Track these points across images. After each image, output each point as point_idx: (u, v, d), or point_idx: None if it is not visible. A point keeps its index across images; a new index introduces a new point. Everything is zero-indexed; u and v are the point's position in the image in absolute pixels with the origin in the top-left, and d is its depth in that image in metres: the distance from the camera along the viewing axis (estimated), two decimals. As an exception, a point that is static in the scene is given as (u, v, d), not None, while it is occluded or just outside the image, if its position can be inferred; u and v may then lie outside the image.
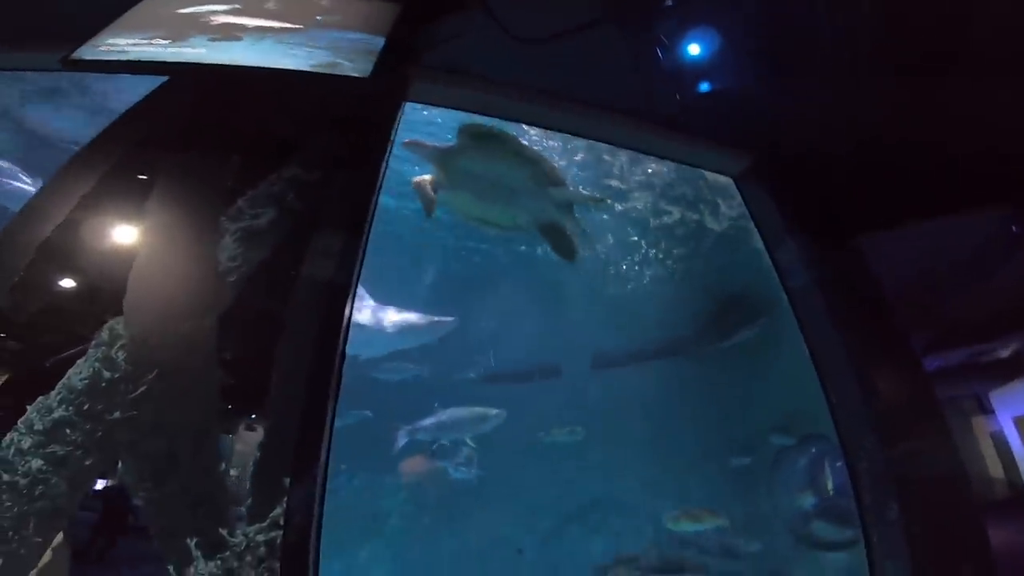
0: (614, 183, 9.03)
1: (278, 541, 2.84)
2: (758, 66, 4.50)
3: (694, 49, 4.47)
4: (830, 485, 8.66)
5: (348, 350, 3.17)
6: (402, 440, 8.82)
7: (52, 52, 3.72)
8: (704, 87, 4.47)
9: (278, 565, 2.80)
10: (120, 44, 3.64)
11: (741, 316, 9.50)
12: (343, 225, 3.40)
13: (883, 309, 4.39)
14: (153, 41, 3.63)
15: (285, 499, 2.87)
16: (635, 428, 10.22)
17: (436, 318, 8.73)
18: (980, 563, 3.95)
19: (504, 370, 11.22)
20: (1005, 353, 11.71)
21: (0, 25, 3.87)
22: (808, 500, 8.92)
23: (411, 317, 8.60)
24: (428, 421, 8.83)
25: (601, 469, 10.61)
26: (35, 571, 2.76)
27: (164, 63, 3.58)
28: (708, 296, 9.73)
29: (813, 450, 8.74)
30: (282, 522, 2.86)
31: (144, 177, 3.48)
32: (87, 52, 3.57)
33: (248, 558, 2.82)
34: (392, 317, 8.51)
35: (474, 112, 4.39)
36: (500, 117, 4.50)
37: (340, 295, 3.27)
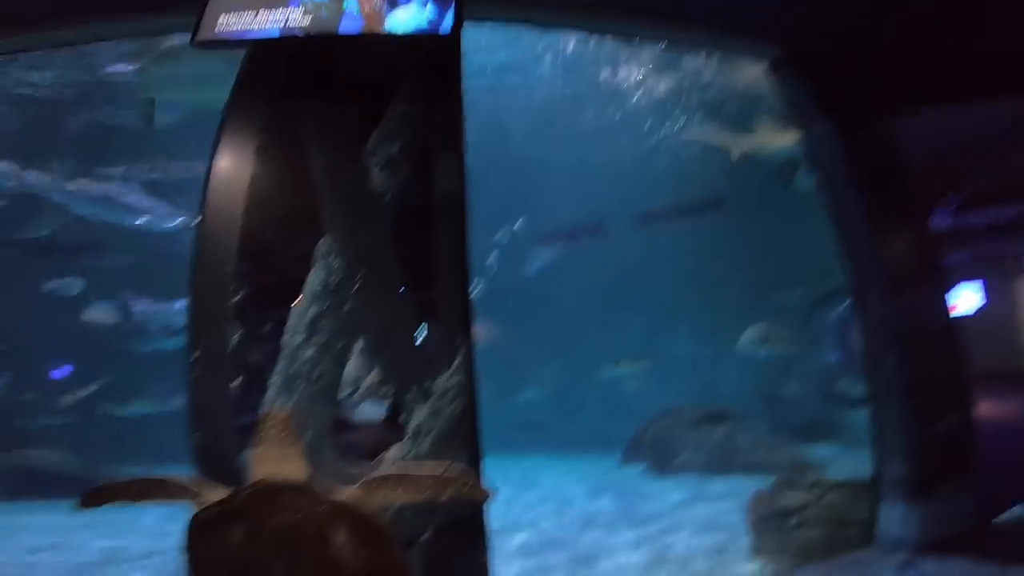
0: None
1: (460, 383, 4.06)
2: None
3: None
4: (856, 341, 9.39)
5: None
6: None
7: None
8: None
9: (460, 400, 4.06)
10: (235, 20, 4.06)
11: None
12: (447, 144, 4.21)
13: (901, 176, 4.82)
14: (258, 15, 4.02)
15: (460, 352, 4.06)
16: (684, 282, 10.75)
17: None
18: (961, 416, 4.58)
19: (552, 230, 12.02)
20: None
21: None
22: (835, 355, 9.38)
23: None
24: None
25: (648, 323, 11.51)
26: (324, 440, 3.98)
27: (272, 38, 4.05)
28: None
29: (842, 306, 8.84)
30: (458, 370, 4.05)
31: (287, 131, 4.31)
32: (208, 33, 4.07)
33: (444, 399, 4.10)
34: None
35: (523, 23, 4.89)
36: (545, 26, 4.96)
37: (459, 202, 4.20)
